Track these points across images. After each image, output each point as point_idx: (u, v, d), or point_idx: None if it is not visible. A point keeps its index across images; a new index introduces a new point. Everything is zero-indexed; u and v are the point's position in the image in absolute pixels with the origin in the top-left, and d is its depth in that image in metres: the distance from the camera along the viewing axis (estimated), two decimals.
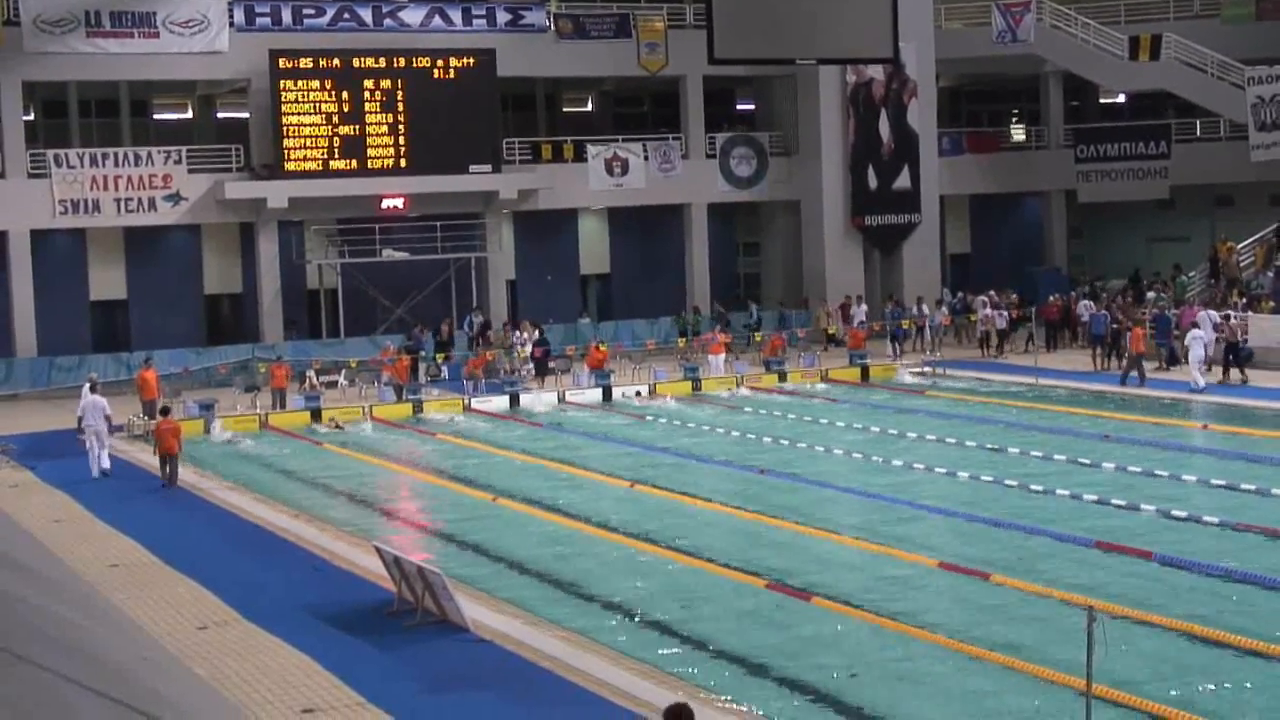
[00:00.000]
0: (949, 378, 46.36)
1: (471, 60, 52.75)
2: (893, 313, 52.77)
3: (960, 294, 55.55)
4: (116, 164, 49.75)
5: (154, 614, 21.57)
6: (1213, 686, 17.60)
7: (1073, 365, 46.69)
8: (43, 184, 49.00)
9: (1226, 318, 44.55)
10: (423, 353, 48.43)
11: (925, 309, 53.30)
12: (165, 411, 34.70)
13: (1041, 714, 16.82)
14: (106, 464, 34.39)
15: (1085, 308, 50.11)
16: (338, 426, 41.05)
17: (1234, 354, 43.02)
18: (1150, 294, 50.73)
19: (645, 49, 54.18)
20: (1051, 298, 52.28)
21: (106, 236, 51.71)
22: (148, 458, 34.49)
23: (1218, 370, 42.70)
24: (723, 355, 47.95)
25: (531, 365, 48.01)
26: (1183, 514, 26.29)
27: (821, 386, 45.70)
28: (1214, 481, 29.08)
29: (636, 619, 21.22)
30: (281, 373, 43.37)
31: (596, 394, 44.85)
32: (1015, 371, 46.37)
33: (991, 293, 53.01)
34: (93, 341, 51.18)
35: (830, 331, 53.85)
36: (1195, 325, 43.22)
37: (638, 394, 44.94)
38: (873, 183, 56.97)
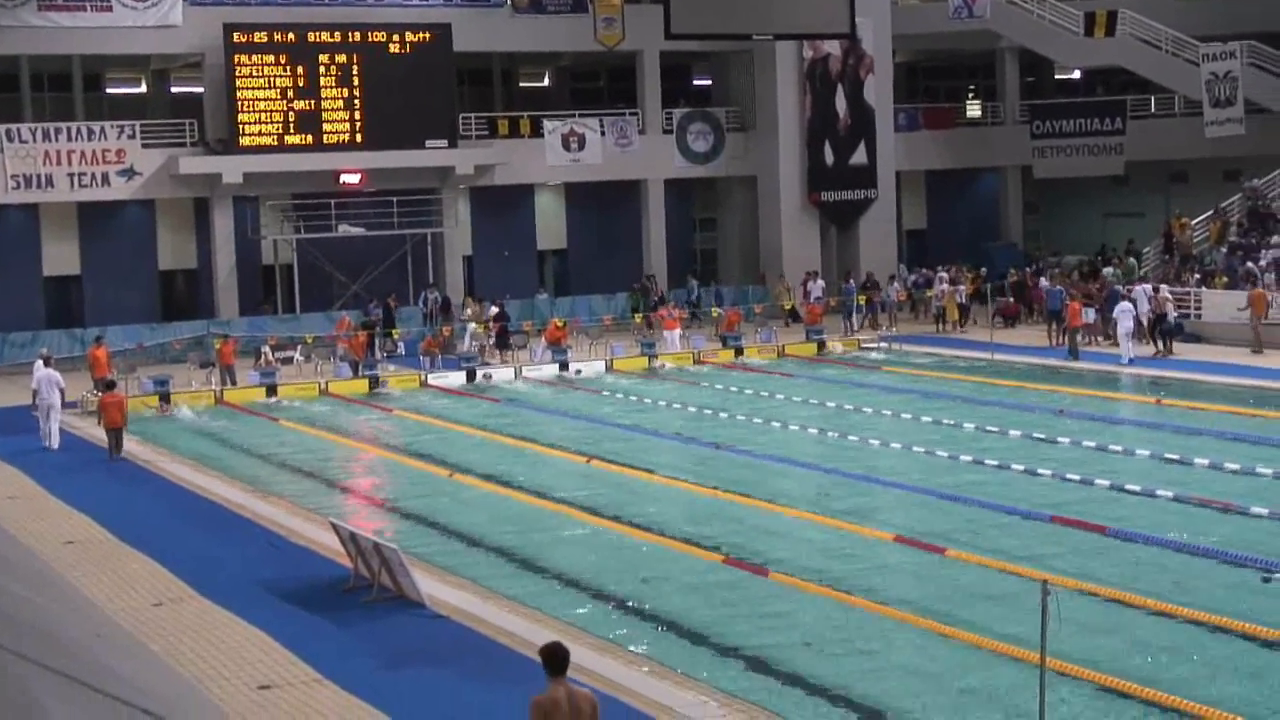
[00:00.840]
0: (905, 353, 46.51)
1: (427, 35, 52.56)
2: (845, 289, 52.77)
3: (921, 270, 55.51)
4: (70, 139, 49.47)
5: (109, 591, 21.50)
6: (1166, 660, 17.71)
7: (1029, 340, 46.84)
8: None
9: (1156, 290, 45.22)
10: (378, 328, 48.15)
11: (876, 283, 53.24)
12: (110, 385, 34.67)
13: (995, 687, 16.89)
14: (55, 442, 34.44)
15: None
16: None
17: (1160, 327, 43.82)
18: (1107, 270, 50.90)
19: (602, 24, 54.02)
20: (1011, 272, 52.37)
21: (60, 212, 51.42)
22: (102, 434, 34.33)
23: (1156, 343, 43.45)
24: (677, 330, 47.99)
25: (490, 340, 47.90)
26: (1137, 488, 26.41)
27: (759, 361, 45.82)
28: (1167, 456, 29.22)
29: (592, 594, 21.25)
30: (228, 349, 43.13)
31: (553, 369, 44.86)
32: (971, 347, 46.49)
33: (951, 268, 53.03)
34: (46, 317, 50.94)
35: (787, 306, 53.85)
36: (1124, 299, 43.83)
37: (577, 371, 44.79)
38: (829, 158, 57.05)
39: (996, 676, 17.26)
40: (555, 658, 11.96)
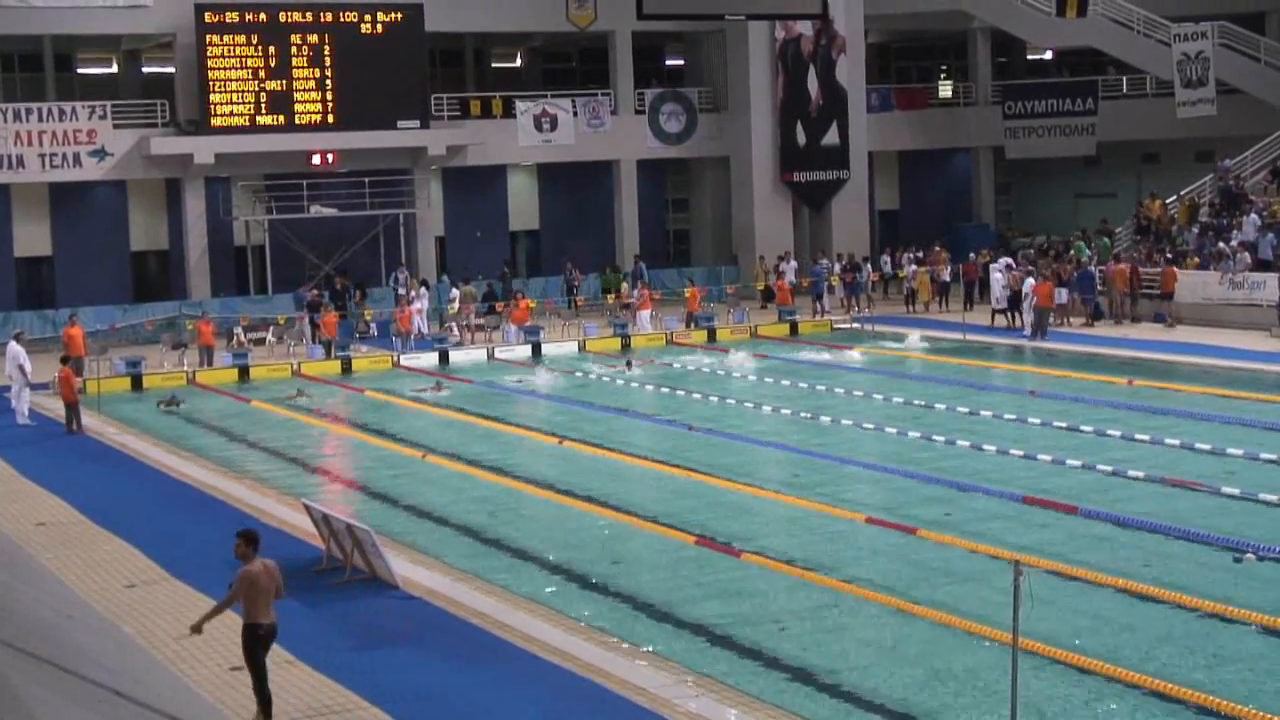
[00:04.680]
0: (878, 334, 46.55)
1: (399, 15, 52.43)
2: (813, 270, 52.76)
3: (917, 250, 54.70)
4: (40, 119, 49.26)
5: (81, 572, 21.45)
6: (1136, 639, 17.77)
7: (999, 321, 46.86)
8: None
9: (1009, 267, 47.22)
10: (321, 309, 47.32)
11: (834, 266, 53.06)
12: (65, 360, 35.01)
13: (968, 667, 16.94)
14: (19, 418, 34.76)
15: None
16: (172, 403, 37.73)
17: (1015, 302, 45.95)
18: (1080, 244, 50.95)
19: (574, 4, 54.01)
20: (971, 255, 52.42)
21: (31, 192, 51.19)
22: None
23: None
24: (649, 311, 47.98)
25: (469, 320, 47.90)
26: (1108, 469, 26.49)
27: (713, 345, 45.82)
28: (1138, 436, 29.30)
29: (565, 575, 21.27)
30: (208, 329, 43.10)
31: (526, 350, 44.87)
32: (943, 327, 46.58)
33: (918, 248, 53.04)
34: (17, 298, 50.75)
35: (760, 287, 53.83)
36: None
37: (519, 381, 40.97)
38: (801, 139, 57.05)
39: (968, 656, 17.31)
40: (255, 538, 16.04)
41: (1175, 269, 45.88)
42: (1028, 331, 44.16)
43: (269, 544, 23.02)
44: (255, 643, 15.57)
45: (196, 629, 15.94)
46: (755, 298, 53.42)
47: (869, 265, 54.00)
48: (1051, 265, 47.73)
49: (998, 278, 46.61)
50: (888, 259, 54.69)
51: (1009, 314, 46.31)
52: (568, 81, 60.68)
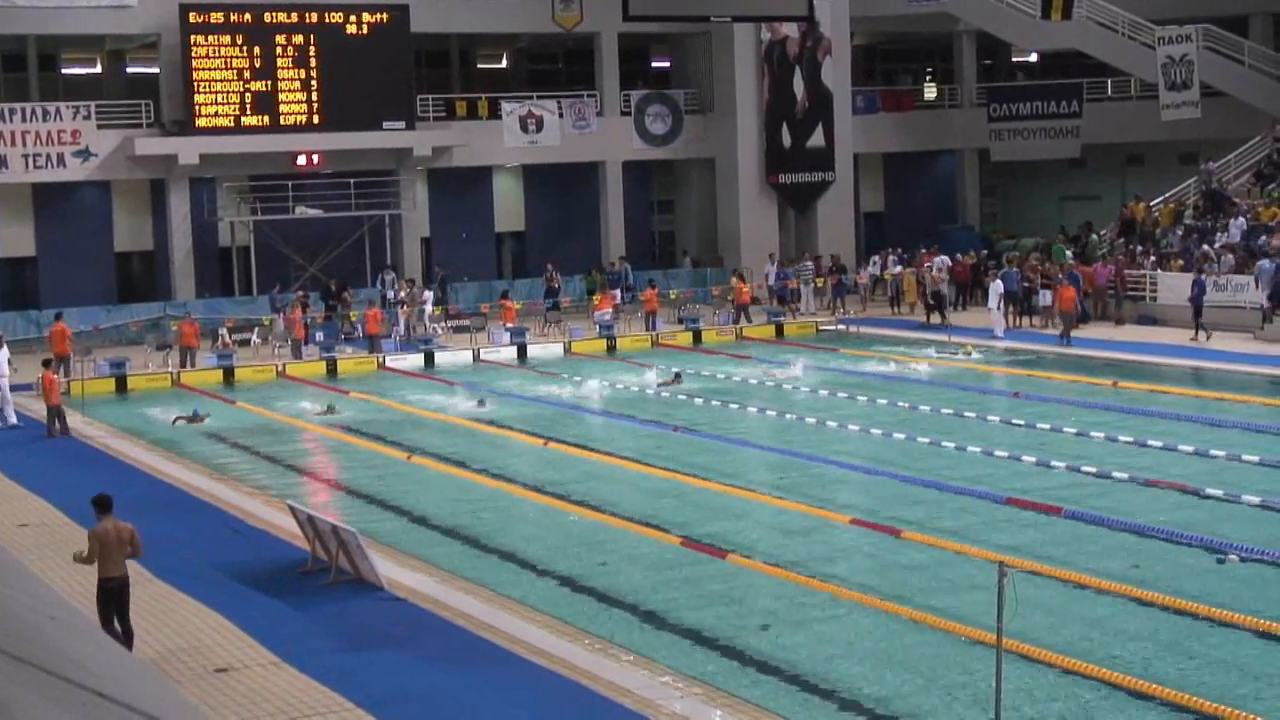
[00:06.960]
0: (863, 335, 46.60)
1: (384, 16, 52.39)
2: (782, 273, 52.80)
3: (903, 252, 54.84)
4: (24, 119, 49.16)
5: (64, 574, 21.38)
6: (1121, 640, 17.80)
7: (984, 323, 46.94)
8: None
9: (929, 268, 48.87)
10: (280, 312, 47.27)
11: (813, 265, 53.34)
12: (47, 364, 34.95)
13: (952, 668, 16.96)
14: (8, 420, 34.64)
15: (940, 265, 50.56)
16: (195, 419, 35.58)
17: (937, 299, 47.99)
18: (1058, 247, 51.11)
19: (560, 5, 53.97)
20: (960, 255, 52.48)
21: (15, 193, 51.09)
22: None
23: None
24: (607, 311, 47.95)
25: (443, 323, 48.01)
26: (1092, 470, 26.55)
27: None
28: (1122, 438, 29.36)
29: (550, 576, 21.26)
30: (191, 330, 42.98)
31: (511, 352, 44.86)
32: (927, 329, 46.64)
33: (922, 252, 53.10)
34: (1, 299, 50.65)
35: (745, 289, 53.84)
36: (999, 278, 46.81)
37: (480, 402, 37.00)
38: (787, 141, 57.06)
39: (952, 658, 17.33)
40: (104, 502, 17.83)
41: (1084, 267, 47.31)
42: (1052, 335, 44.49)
43: (252, 545, 23.10)
44: (104, 595, 17.62)
45: (77, 557, 18.13)
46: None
47: (862, 268, 54.09)
48: (1037, 268, 47.89)
49: (998, 286, 46.28)
50: (878, 260, 54.73)
51: (930, 312, 47.79)
52: (553, 83, 60.64)
